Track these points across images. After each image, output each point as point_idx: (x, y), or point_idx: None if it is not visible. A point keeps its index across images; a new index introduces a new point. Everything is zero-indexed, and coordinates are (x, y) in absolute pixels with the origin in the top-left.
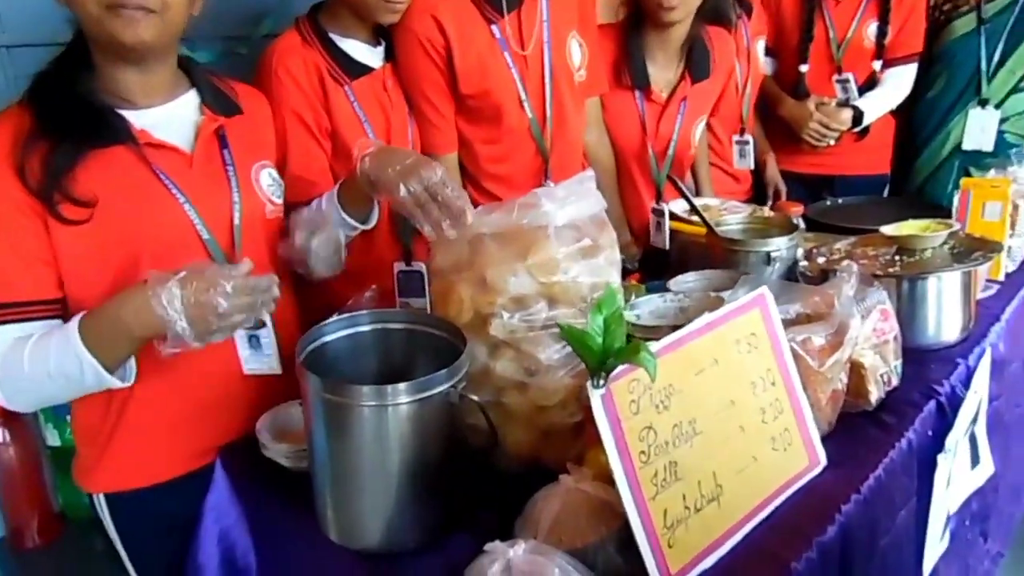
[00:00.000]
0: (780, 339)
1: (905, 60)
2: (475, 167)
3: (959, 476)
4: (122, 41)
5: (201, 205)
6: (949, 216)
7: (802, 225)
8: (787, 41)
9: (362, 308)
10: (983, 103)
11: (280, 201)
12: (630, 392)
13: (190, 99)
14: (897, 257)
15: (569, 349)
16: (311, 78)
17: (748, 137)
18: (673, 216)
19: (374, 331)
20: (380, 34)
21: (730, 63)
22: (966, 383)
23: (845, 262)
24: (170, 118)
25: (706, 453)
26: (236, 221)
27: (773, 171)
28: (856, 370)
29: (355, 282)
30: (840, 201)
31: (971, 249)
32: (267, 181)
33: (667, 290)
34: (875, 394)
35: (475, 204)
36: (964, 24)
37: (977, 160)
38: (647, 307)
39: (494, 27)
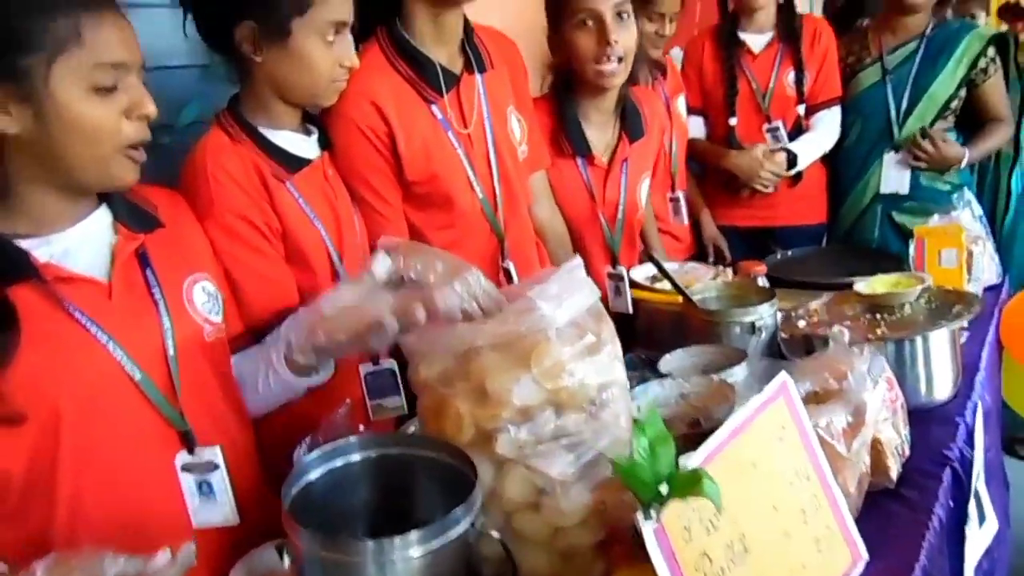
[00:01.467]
0: (807, 428)
1: (827, 104)
2: None
3: (972, 538)
4: (124, 184)
5: (127, 341)
6: (895, 263)
7: (766, 284)
8: (713, 98)
9: (337, 428)
10: (896, 148)
11: (220, 319)
12: (680, 518)
13: (101, 217)
14: (877, 316)
15: (584, 460)
16: (251, 178)
17: (679, 194)
18: (633, 284)
19: (365, 460)
20: (308, 120)
21: (661, 120)
22: (970, 442)
23: (835, 328)
24: (80, 243)
25: (759, 571)
26: (171, 352)
27: (711, 227)
28: (874, 447)
29: (317, 395)
30: (790, 253)
31: (947, 302)
32: (201, 298)
33: (645, 367)
34: (895, 469)
35: None
36: (870, 75)
37: (897, 204)
38: (644, 397)
39: (434, 107)
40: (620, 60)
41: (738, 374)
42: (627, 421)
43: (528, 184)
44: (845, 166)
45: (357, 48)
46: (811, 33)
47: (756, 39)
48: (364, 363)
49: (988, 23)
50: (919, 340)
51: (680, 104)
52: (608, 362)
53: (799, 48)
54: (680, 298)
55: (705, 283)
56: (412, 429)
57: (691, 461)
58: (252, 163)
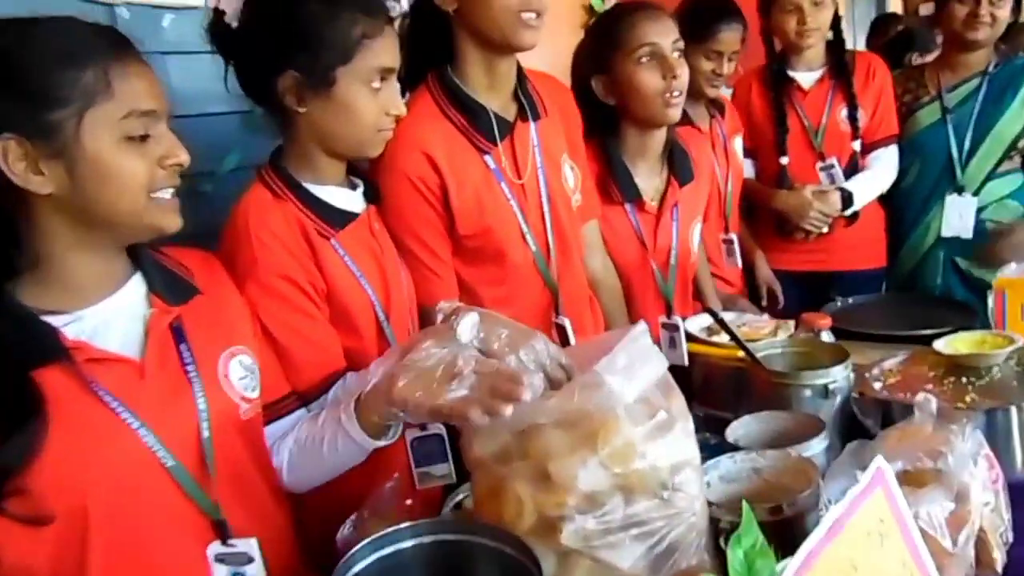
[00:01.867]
0: (909, 521)
1: (884, 142)
2: None
3: None
4: (167, 231)
5: (159, 425)
6: (965, 314)
7: (831, 339)
8: (762, 137)
9: (384, 504)
10: (959, 190)
11: (256, 395)
12: None
13: (135, 288)
14: (963, 380)
15: (657, 552)
16: (295, 236)
17: (733, 236)
18: (689, 337)
19: (417, 547)
20: (352, 173)
21: (709, 162)
22: None
23: (921, 395)
24: (112, 318)
25: None
26: (205, 434)
27: (765, 270)
28: (978, 536)
29: (359, 467)
30: (851, 301)
31: None
32: (238, 373)
33: (704, 427)
34: (1000, 560)
35: None
36: (929, 114)
37: (962, 249)
38: (715, 471)
39: (487, 158)
40: (681, 94)
41: (816, 447)
42: (702, 505)
43: (581, 235)
44: (904, 208)
45: (405, 95)
46: (865, 69)
47: (806, 76)
48: (411, 429)
49: None
50: (1014, 409)
51: (738, 144)
52: (680, 440)
53: (851, 84)
54: (740, 352)
55: (768, 339)
56: (460, 498)
57: (788, 572)
58: (296, 220)
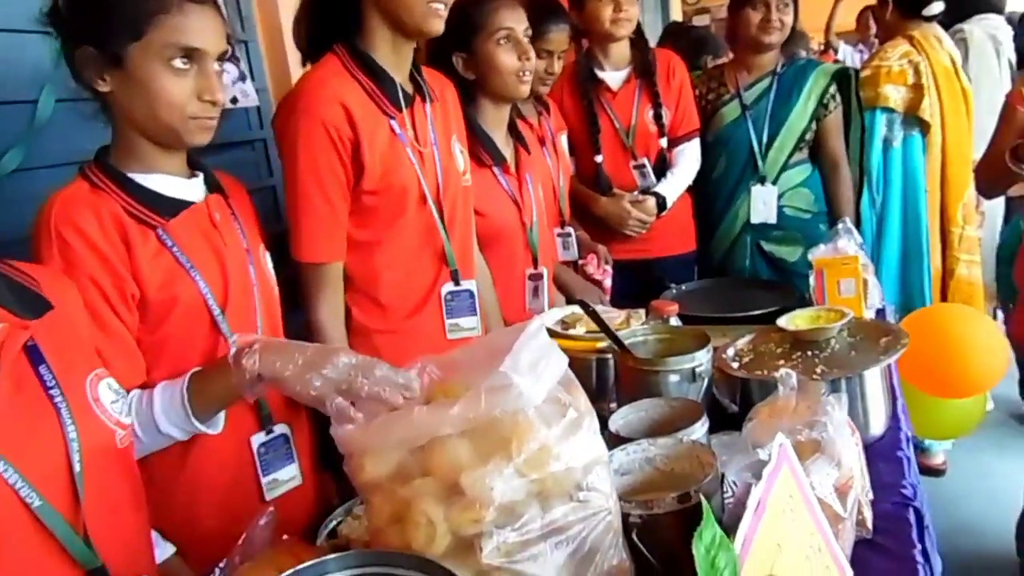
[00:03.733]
0: (809, 494)
1: (687, 137)
2: (368, 276)
3: None
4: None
5: (21, 459)
6: (782, 291)
7: (679, 323)
8: (577, 136)
9: (257, 546)
10: (762, 180)
11: (129, 421)
12: None
13: None
14: (809, 353)
15: (579, 556)
16: (106, 230)
17: (569, 229)
18: (549, 332)
19: None
20: (195, 167)
21: (542, 157)
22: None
23: (783, 370)
24: None
25: None
26: (76, 468)
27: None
28: None
29: (219, 505)
30: (684, 287)
31: (870, 335)
32: (110, 397)
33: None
34: (870, 518)
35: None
36: (731, 111)
37: (766, 233)
38: (612, 464)
39: (393, 122)
40: (531, 74)
41: (699, 430)
42: (615, 502)
43: (471, 214)
44: (713, 198)
45: (312, 62)
46: (665, 68)
47: (614, 76)
48: (255, 434)
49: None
50: (858, 377)
51: (564, 141)
52: (590, 438)
53: (655, 83)
54: (598, 344)
55: (628, 329)
56: (334, 525)
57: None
58: (110, 212)
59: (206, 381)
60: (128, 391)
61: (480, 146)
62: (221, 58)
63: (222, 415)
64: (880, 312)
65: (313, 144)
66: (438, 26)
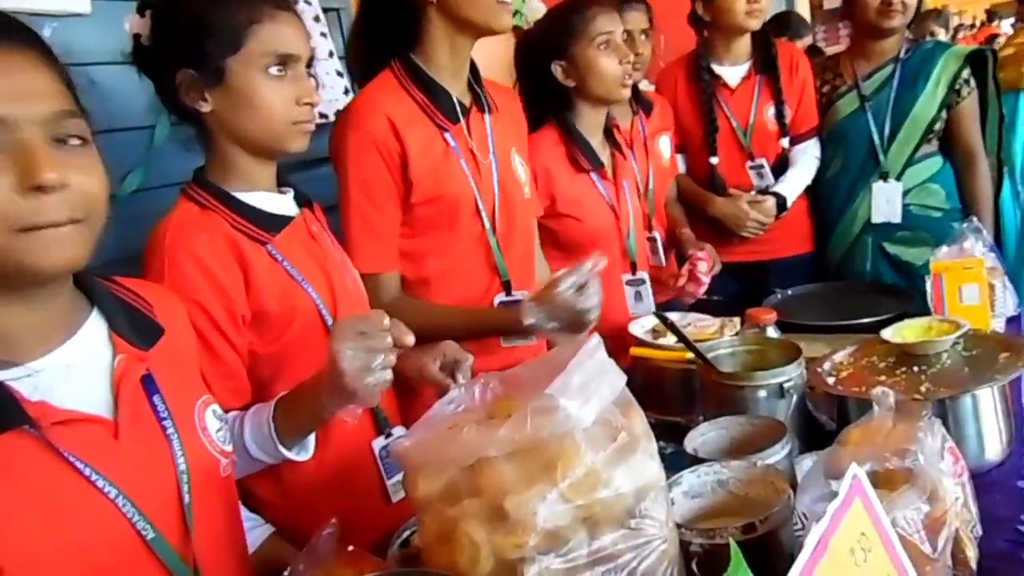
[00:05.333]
0: (888, 530)
1: (807, 136)
2: (420, 285)
3: None
4: (39, 269)
5: (137, 492)
6: (902, 296)
7: (777, 334)
8: (691, 135)
9: (321, 556)
10: (884, 176)
11: (231, 448)
12: None
13: (95, 330)
14: (915, 369)
15: None
16: (219, 256)
17: (656, 234)
18: (634, 340)
19: None
20: (282, 184)
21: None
22: None
23: (878, 389)
24: (73, 368)
25: None
26: (186, 499)
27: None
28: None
29: (300, 497)
30: (790, 292)
31: (989, 350)
32: (215, 425)
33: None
34: (974, 558)
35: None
36: (848, 103)
37: (889, 234)
38: (678, 488)
39: (447, 135)
40: (630, 77)
41: (779, 452)
42: (671, 530)
43: (532, 224)
44: (830, 197)
45: (368, 80)
46: (788, 62)
47: (732, 72)
48: (376, 439)
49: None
50: (969, 397)
51: (661, 144)
52: (644, 463)
53: (778, 79)
54: (687, 354)
55: (716, 339)
56: (407, 535)
57: None
58: (224, 237)
59: (291, 407)
60: (228, 411)
61: (579, 151)
62: (309, 63)
63: (311, 442)
64: (1014, 321)
65: (362, 158)
66: (509, 21)
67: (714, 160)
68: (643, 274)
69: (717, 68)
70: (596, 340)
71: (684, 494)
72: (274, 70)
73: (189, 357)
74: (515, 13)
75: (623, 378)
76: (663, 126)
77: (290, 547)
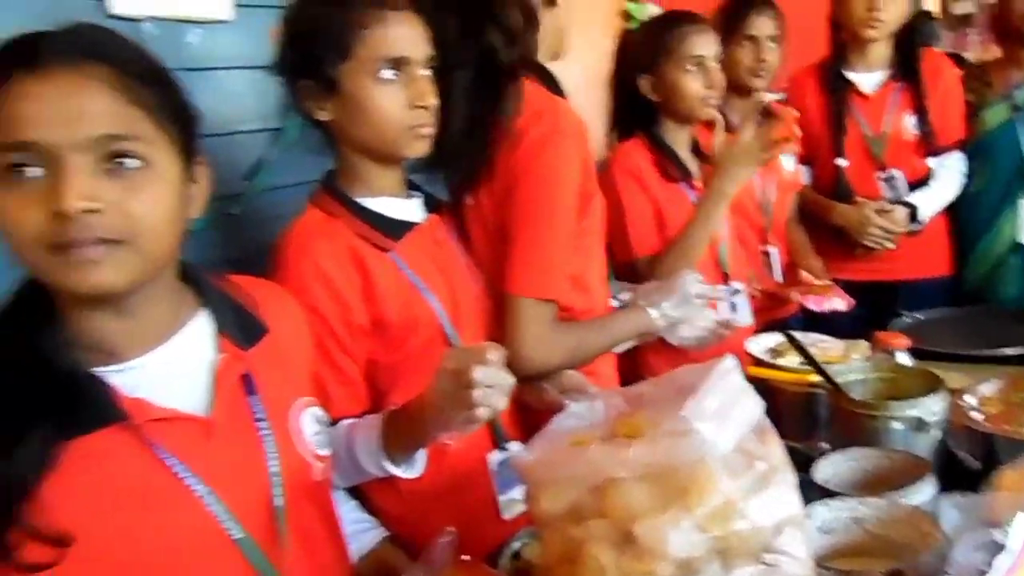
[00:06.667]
0: None
1: (951, 148)
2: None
3: None
4: (76, 290)
5: (226, 492)
6: None
7: (909, 361)
8: (818, 141)
9: (438, 563)
10: None
11: (328, 453)
12: None
13: (199, 329)
14: None
15: None
16: (340, 260)
17: (771, 248)
18: (757, 361)
19: None
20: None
21: None
22: None
23: None
24: (173, 366)
25: None
26: (278, 502)
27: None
28: None
29: (414, 505)
30: (921, 316)
31: None
32: (312, 428)
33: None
34: None
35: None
36: (996, 114)
37: None
38: (810, 521)
39: None
40: (716, 99)
41: (924, 492)
42: (811, 570)
43: None
44: (972, 213)
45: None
46: (931, 70)
47: (866, 78)
48: (492, 452)
49: None
50: None
51: (783, 157)
52: (783, 495)
53: (919, 88)
54: (811, 376)
55: (843, 362)
56: (518, 547)
57: None
58: (346, 246)
59: (396, 423)
60: (340, 419)
61: (668, 161)
62: (428, 62)
63: (421, 458)
64: None
65: (573, 169)
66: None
67: (841, 162)
68: (737, 284)
69: (850, 74)
70: (731, 361)
71: (817, 528)
72: (386, 75)
73: (294, 358)
74: (630, 19)
75: (760, 403)
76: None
77: (402, 553)
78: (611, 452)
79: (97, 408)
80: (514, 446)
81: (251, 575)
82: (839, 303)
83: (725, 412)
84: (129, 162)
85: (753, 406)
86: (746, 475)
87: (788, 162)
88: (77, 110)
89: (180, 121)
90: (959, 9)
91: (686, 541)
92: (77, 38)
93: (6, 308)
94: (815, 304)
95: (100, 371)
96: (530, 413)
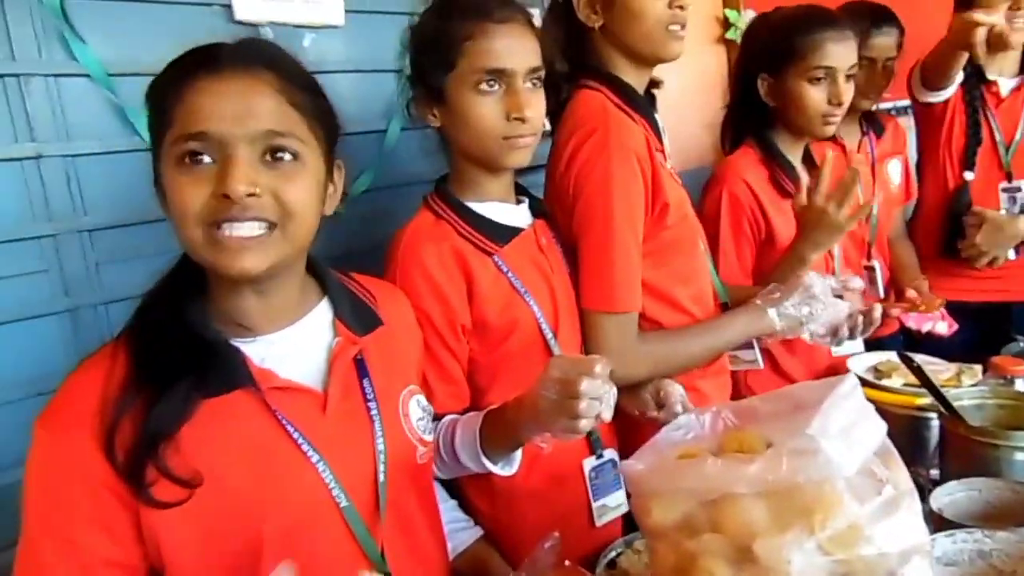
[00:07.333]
0: None
1: None
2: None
3: None
4: (228, 272)
5: (337, 462)
6: None
7: None
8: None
9: (541, 567)
10: None
11: (431, 438)
12: None
13: (321, 315)
14: None
15: None
16: (445, 262)
17: (875, 263)
18: (861, 381)
19: None
20: (520, 192)
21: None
22: None
23: None
24: (297, 345)
25: None
26: (381, 478)
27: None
28: None
29: (509, 505)
30: None
31: None
32: (417, 414)
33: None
34: None
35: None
36: None
37: None
38: (934, 551)
39: (659, 154)
40: (838, 117)
41: None
42: None
43: None
44: None
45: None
46: None
47: (1004, 81)
48: (586, 458)
49: None
50: None
51: (890, 168)
52: (909, 521)
53: None
54: (917, 400)
55: (957, 387)
56: (613, 556)
57: None
58: (451, 249)
59: (495, 422)
60: (442, 415)
61: (782, 173)
62: (533, 72)
63: (517, 457)
64: None
65: (627, 175)
66: (679, 49)
67: (969, 176)
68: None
69: (991, 75)
70: (852, 380)
71: (937, 560)
72: (484, 86)
73: (405, 350)
74: (730, 27)
75: (883, 425)
76: (895, 149)
77: (496, 553)
78: (729, 467)
79: (231, 373)
80: (608, 452)
81: (351, 542)
82: (941, 326)
83: (850, 432)
84: (285, 156)
85: (876, 428)
86: (873, 499)
87: (895, 174)
88: (247, 108)
89: (327, 126)
90: None
91: (808, 563)
92: (249, 48)
93: (162, 281)
94: (915, 323)
95: (236, 342)
96: (625, 421)
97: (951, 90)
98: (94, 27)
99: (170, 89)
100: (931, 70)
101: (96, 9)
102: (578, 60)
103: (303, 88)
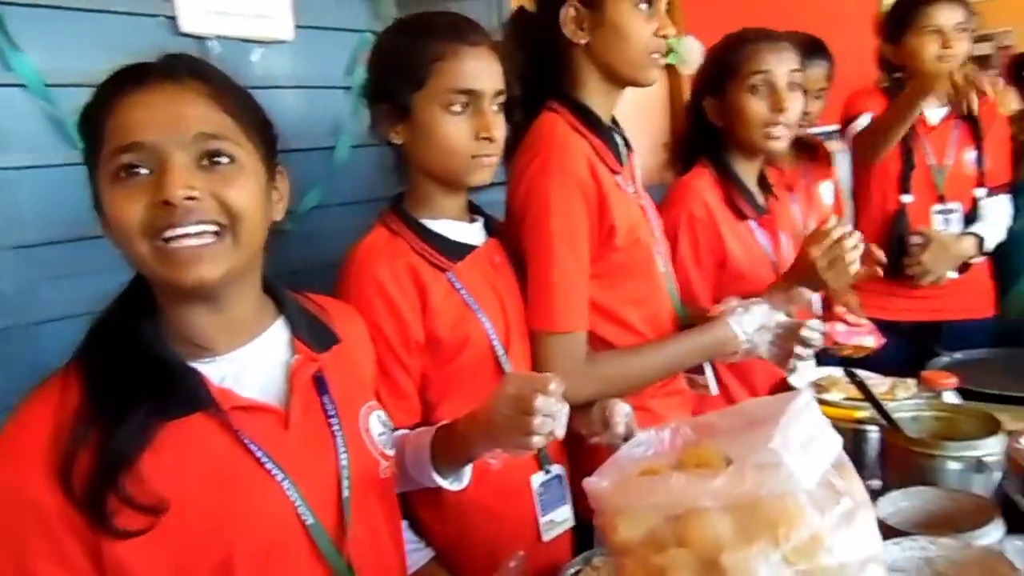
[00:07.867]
0: None
1: (1003, 189)
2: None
3: None
4: (179, 284)
5: (302, 480)
6: None
7: (957, 401)
8: (878, 172)
9: None
10: None
11: (393, 453)
12: None
13: (278, 333)
14: None
15: None
16: (399, 278)
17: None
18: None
19: None
20: (474, 211)
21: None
22: None
23: None
24: (255, 363)
25: None
26: (345, 493)
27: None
28: None
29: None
30: (961, 356)
31: None
32: (378, 429)
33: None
34: None
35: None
36: None
37: None
38: None
39: (618, 178)
40: (787, 127)
41: (992, 534)
42: None
43: None
44: (1010, 253)
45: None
46: (990, 109)
47: (933, 111)
48: (535, 473)
49: None
50: None
51: (823, 189)
52: (865, 531)
53: (979, 123)
54: (856, 413)
55: (894, 400)
56: (573, 572)
57: None
58: (406, 266)
59: (446, 437)
60: (396, 430)
61: (739, 196)
62: (498, 95)
63: (467, 473)
64: None
65: (571, 202)
66: (655, 77)
67: (906, 199)
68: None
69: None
70: (807, 396)
71: (887, 569)
72: (456, 106)
73: (362, 367)
74: (669, 52)
75: (839, 439)
76: (824, 173)
77: (447, 573)
78: (694, 482)
79: (190, 394)
80: (556, 468)
81: (318, 559)
82: (869, 339)
83: (809, 446)
84: (222, 159)
85: (832, 441)
86: (832, 510)
87: (827, 196)
88: (177, 114)
89: (262, 131)
90: (977, 51)
91: (774, 574)
92: (177, 61)
93: (114, 302)
94: (843, 337)
95: (193, 363)
96: (571, 436)
97: None
98: (32, 37)
99: (100, 109)
100: (881, 136)
101: (35, 19)
102: (546, 81)
103: (232, 94)
